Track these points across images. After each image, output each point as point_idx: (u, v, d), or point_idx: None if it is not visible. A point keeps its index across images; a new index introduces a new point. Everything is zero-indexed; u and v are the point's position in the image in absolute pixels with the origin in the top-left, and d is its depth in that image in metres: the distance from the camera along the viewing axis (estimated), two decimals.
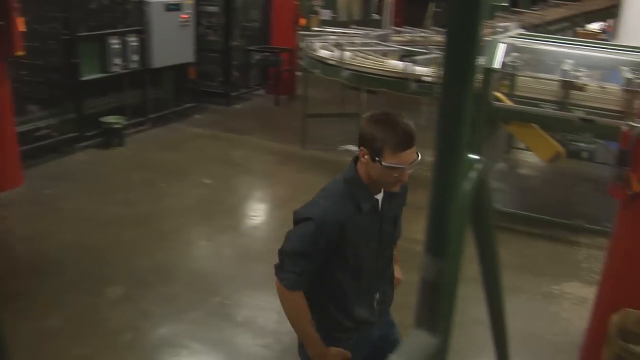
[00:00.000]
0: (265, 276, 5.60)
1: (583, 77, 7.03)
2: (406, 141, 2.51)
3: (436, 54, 7.79)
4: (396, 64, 7.71)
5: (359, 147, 2.63)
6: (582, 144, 6.45)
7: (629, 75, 6.43)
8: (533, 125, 6.36)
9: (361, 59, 7.97)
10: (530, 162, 8.64)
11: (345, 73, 7.60)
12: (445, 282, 1.01)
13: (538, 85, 6.88)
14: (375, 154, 2.54)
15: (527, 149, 7.47)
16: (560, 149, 6.35)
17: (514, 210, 6.99)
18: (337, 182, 2.74)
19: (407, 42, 9.87)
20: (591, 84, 6.94)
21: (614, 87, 6.88)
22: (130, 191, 7.28)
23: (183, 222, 6.56)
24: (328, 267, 2.74)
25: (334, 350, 2.79)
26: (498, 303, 1.58)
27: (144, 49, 9.20)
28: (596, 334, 4.24)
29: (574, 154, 6.56)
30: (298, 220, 2.72)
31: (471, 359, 4.44)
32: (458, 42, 0.91)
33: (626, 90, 6.38)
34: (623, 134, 3.85)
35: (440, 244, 0.97)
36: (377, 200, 2.75)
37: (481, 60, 6.87)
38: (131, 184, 7.53)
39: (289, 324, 4.87)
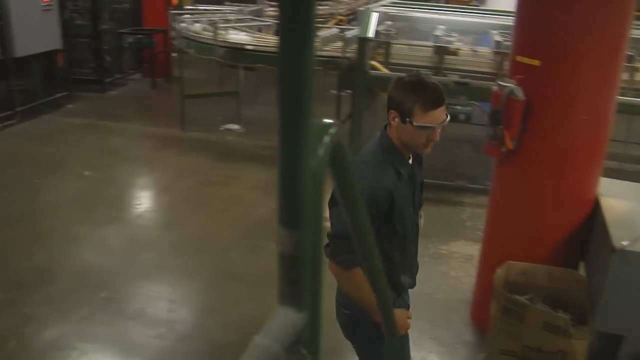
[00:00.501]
0: (154, 264, 5.48)
1: (456, 42, 7.21)
2: (436, 99, 2.53)
3: None
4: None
5: (387, 111, 2.63)
6: (458, 107, 6.60)
7: (498, 38, 6.65)
8: None
9: (235, 35, 7.83)
10: None
11: (220, 51, 7.43)
12: (306, 255, 0.95)
13: (413, 52, 7.00)
14: (406, 115, 2.53)
15: None
16: None
17: None
18: (374, 152, 2.70)
19: None
20: (464, 48, 7.13)
21: (485, 50, 7.10)
22: (3, 190, 6.86)
23: (63, 218, 6.25)
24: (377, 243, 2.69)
25: (398, 312, 2.74)
26: (374, 267, 1.54)
27: (3, 36, 8.62)
28: (484, 289, 4.38)
29: (452, 117, 6.67)
30: None
31: None
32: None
33: (496, 52, 6.60)
34: (494, 94, 3.95)
35: (294, 215, 0.91)
36: (410, 166, 2.76)
37: (355, 30, 6.91)
38: (3, 182, 7.09)
39: (181, 312, 4.82)
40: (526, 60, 3.89)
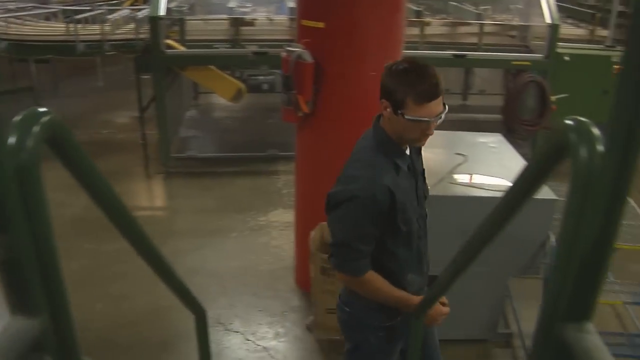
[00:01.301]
0: None
1: (251, 13, 7.19)
2: (430, 92, 2.25)
3: (101, 10, 7.41)
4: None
5: (380, 99, 2.34)
6: (260, 77, 6.62)
7: (292, 5, 6.70)
8: (210, 67, 6.37)
9: (18, 26, 7.29)
10: (220, 104, 8.72)
11: (2, 44, 6.87)
12: (26, 257, 0.87)
13: (208, 26, 6.90)
14: (398, 106, 2.26)
15: (211, 92, 7.51)
16: (241, 85, 6.46)
17: (211, 155, 7.04)
18: (369, 147, 2.45)
19: (72, 2, 9.29)
20: (260, 18, 7.14)
21: (281, 18, 7.15)
22: None
23: None
24: (380, 241, 2.46)
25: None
26: (149, 253, 1.47)
27: None
28: (303, 253, 4.43)
29: (256, 88, 6.71)
30: (339, 201, 2.38)
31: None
32: None
33: (292, 19, 6.66)
34: (283, 60, 3.96)
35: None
36: (409, 156, 2.50)
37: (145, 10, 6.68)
38: None
39: None
40: (311, 23, 3.93)
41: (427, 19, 7.94)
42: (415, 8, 8.31)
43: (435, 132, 5.03)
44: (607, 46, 7.62)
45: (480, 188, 3.78)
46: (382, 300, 2.54)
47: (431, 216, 3.69)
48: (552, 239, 3.78)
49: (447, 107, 2.33)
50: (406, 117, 2.26)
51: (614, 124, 0.82)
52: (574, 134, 0.91)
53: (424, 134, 2.35)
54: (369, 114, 4.02)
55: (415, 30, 7.44)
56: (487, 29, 7.98)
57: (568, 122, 0.94)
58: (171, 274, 1.69)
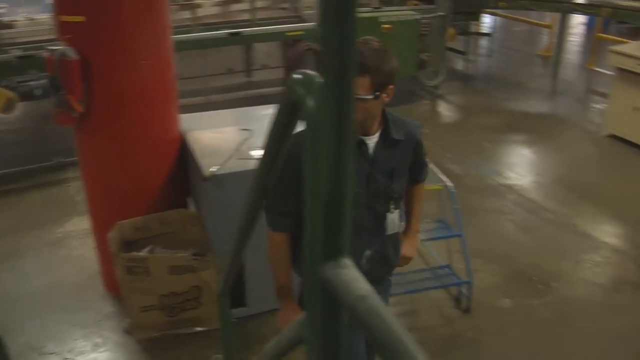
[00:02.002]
0: None
1: (8, 14, 6.75)
2: None
3: None
4: None
5: None
6: (32, 83, 6.20)
7: (51, 2, 6.35)
8: None
9: None
10: None
11: None
12: None
13: None
14: None
15: None
16: (10, 94, 6.01)
17: None
18: None
19: None
20: (20, 19, 6.73)
21: (44, 17, 6.79)
22: None
23: None
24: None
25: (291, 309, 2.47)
26: None
27: None
28: (105, 257, 4.28)
29: (28, 95, 6.27)
30: None
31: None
32: None
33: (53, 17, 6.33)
34: (46, 61, 3.75)
35: None
36: (363, 141, 2.38)
37: None
38: None
39: None
40: (70, 18, 3.77)
41: (198, 1, 7.90)
42: None
43: (220, 111, 5.07)
44: (375, 8, 8.07)
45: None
46: (271, 268, 2.57)
47: (226, 193, 3.73)
48: None
49: (374, 95, 2.24)
50: None
51: (326, 73, 0.85)
52: (301, 87, 0.94)
53: None
54: (146, 103, 3.99)
55: (187, 14, 7.38)
56: (259, 4, 8.10)
57: (296, 76, 0.97)
58: None
